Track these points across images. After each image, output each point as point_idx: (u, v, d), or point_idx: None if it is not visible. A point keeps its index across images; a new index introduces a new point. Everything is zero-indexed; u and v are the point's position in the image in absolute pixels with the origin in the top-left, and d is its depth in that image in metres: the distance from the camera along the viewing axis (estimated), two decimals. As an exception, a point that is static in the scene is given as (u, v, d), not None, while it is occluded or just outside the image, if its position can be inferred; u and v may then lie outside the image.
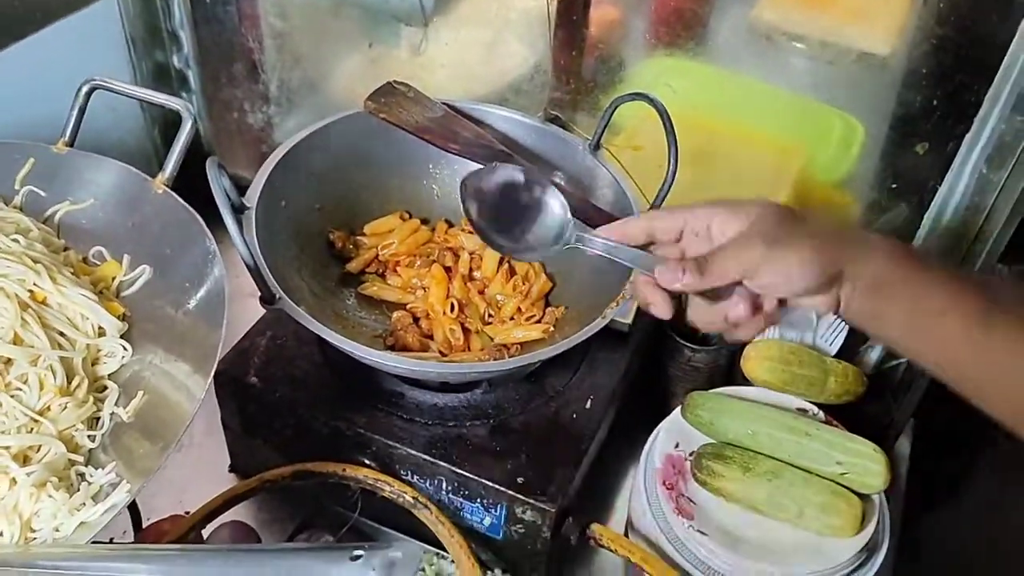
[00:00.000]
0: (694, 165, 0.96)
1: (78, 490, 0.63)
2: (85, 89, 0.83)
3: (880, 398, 0.99)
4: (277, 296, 0.74)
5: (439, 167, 0.99)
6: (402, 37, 1.06)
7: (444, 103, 0.95)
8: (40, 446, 0.64)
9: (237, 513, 0.83)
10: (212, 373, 0.67)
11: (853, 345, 1.00)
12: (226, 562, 0.47)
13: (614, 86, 0.99)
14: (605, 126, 0.91)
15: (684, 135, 0.86)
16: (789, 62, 0.92)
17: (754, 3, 0.90)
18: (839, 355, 0.98)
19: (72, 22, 1.05)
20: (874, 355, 1.00)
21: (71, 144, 0.83)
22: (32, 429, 0.65)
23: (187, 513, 0.80)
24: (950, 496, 1.08)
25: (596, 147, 0.93)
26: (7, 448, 0.63)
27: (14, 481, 0.62)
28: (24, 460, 0.64)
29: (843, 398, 0.94)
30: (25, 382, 0.67)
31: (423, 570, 0.78)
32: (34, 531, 0.60)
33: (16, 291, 0.70)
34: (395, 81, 0.96)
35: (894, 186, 0.91)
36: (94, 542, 0.59)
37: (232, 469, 0.96)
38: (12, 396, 0.66)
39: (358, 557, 0.44)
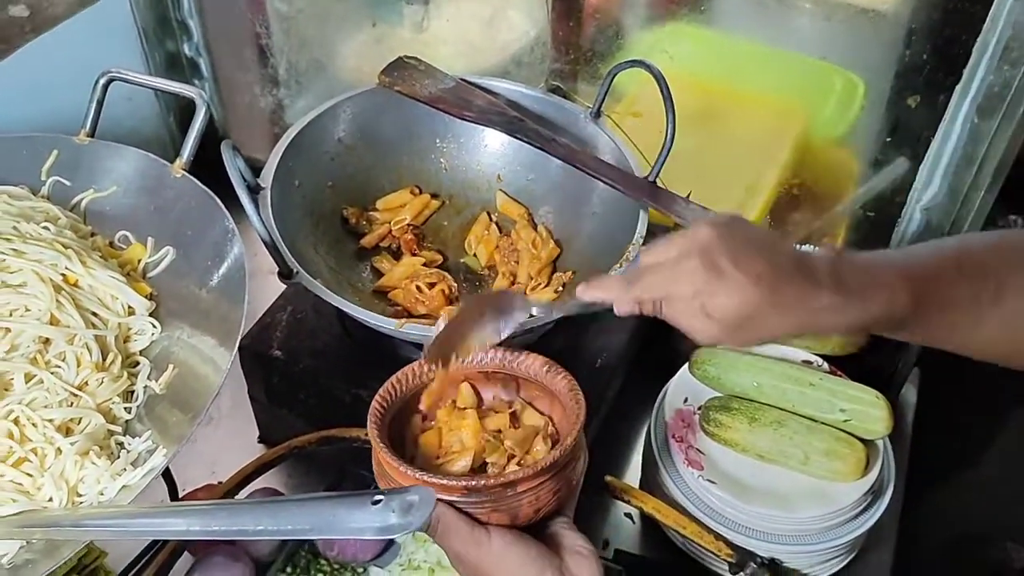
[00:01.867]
0: (695, 129, 0.98)
1: (118, 457, 0.67)
2: (103, 81, 0.86)
3: (884, 348, 1.01)
4: (295, 271, 0.77)
5: (446, 141, 1.01)
6: (404, 15, 1.08)
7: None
8: (81, 418, 0.68)
9: (267, 480, 0.87)
10: (236, 345, 0.70)
11: (856, 297, 1.02)
12: (259, 512, 0.51)
13: (613, 55, 1.01)
14: (605, 94, 0.94)
15: (684, 99, 0.88)
16: (788, 22, 0.93)
17: (757, -35, 0.92)
18: (842, 307, 1.00)
19: (85, 17, 1.08)
20: (877, 306, 1.02)
21: (92, 134, 0.87)
22: (72, 403, 0.69)
23: (220, 483, 0.84)
24: (957, 441, 1.10)
25: (597, 115, 0.96)
26: (51, 420, 0.67)
27: (59, 451, 0.66)
28: (67, 432, 0.68)
29: (847, 349, 0.97)
30: (63, 360, 0.71)
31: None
32: (80, 495, 0.65)
33: (50, 275, 0.74)
34: (406, 56, 0.99)
35: (888, 140, 0.92)
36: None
37: (261, 440, 1.00)
38: (52, 373, 0.70)
39: (378, 501, 0.48)
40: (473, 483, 0.56)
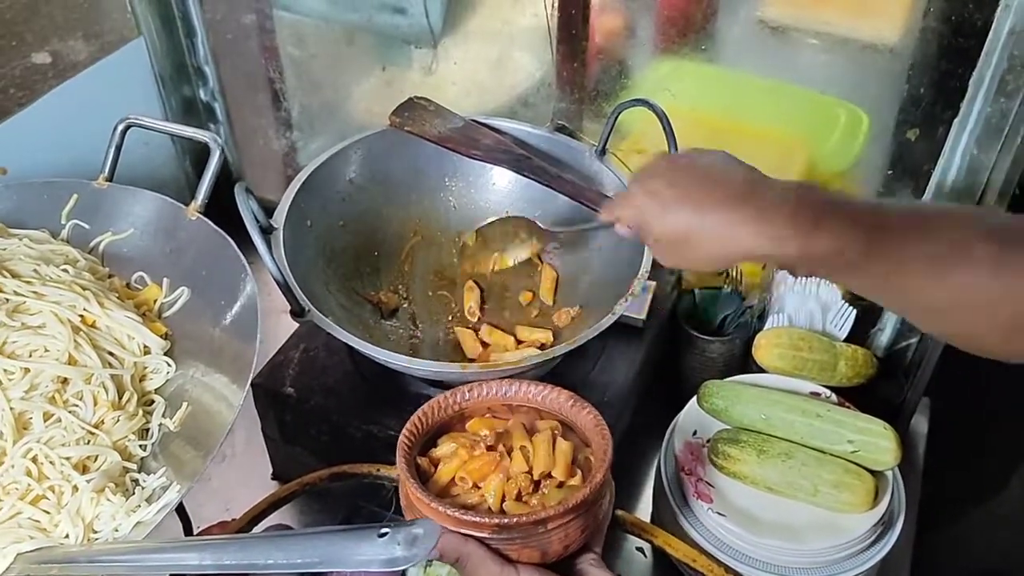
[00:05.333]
0: (699, 164, 0.99)
1: (133, 494, 0.68)
2: (121, 127, 0.89)
3: (892, 379, 1.02)
4: (306, 309, 0.79)
5: (455, 180, 1.03)
6: (413, 59, 1.11)
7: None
8: (97, 456, 0.70)
9: (280, 517, 0.87)
10: (249, 383, 0.72)
11: (863, 329, 1.03)
12: (270, 546, 0.52)
13: (617, 94, 1.03)
14: (609, 132, 0.96)
15: (688, 135, 0.90)
16: (792, 57, 0.95)
17: (759, 1, 0.93)
18: (849, 339, 1.00)
19: (105, 64, 1.12)
20: (884, 338, 1.03)
21: (110, 179, 0.89)
22: (89, 441, 0.71)
23: (233, 520, 0.85)
24: (974, 473, 1.09)
25: (602, 152, 0.97)
26: (68, 459, 0.68)
27: (76, 488, 0.67)
28: (83, 469, 0.69)
29: (854, 380, 0.97)
30: (81, 399, 0.72)
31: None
32: (96, 532, 0.66)
33: (68, 316, 0.76)
34: (416, 96, 1.01)
35: (890, 173, 0.93)
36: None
37: (274, 477, 1.01)
38: (70, 412, 0.71)
39: (384, 534, 0.49)
40: (504, 521, 0.57)
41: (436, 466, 0.65)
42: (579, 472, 0.63)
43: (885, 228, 0.58)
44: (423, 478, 0.64)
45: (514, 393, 0.70)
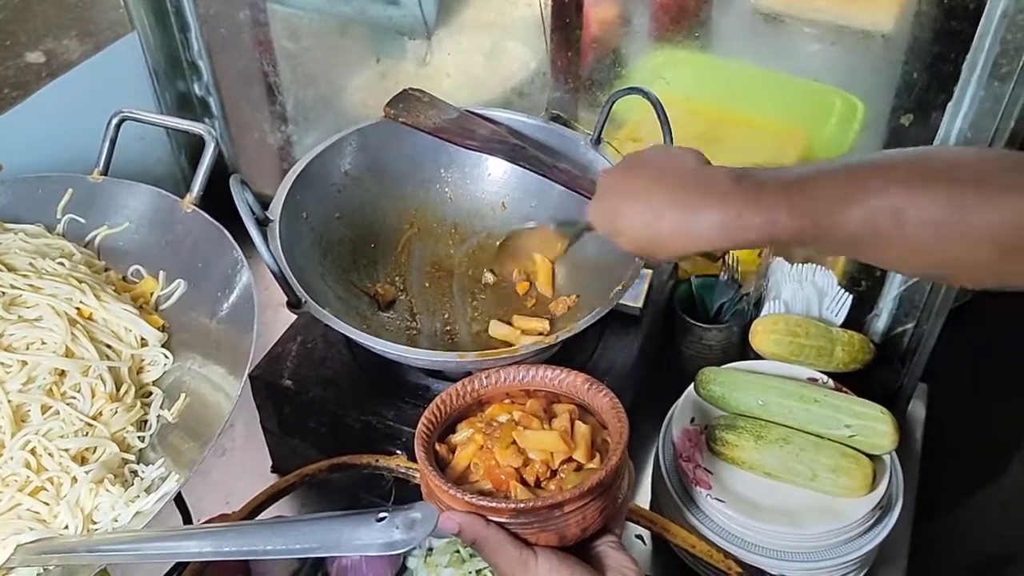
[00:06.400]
0: (695, 153, 0.99)
1: (132, 484, 0.69)
2: (115, 121, 0.88)
3: (889, 364, 1.02)
4: (303, 300, 0.79)
5: (450, 171, 1.03)
6: (408, 50, 1.11)
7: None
8: (96, 447, 0.70)
9: (280, 509, 0.88)
10: (246, 373, 0.72)
11: (859, 315, 1.03)
12: (268, 533, 0.52)
13: (611, 83, 1.03)
14: (604, 121, 0.95)
15: (684, 124, 0.90)
16: (787, 45, 0.95)
17: (754, -11, 0.93)
18: (845, 324, 1.01)
19: (98, 60, 1.12)
20: (880, 323, 1.03)
21: (105, 173, 0.89)
22: (87, 433, 0.71)
23: (233, 512, 0.85)
24: (976, 459, 1.10)
25: (597, 141, 0.97)
26: (67, 450, 0.69)
27: (75, 479, 0.67)
28: (82, 460, 0.69)
29: (851, 366, 0.98)
30: (78, 391, 0.72)
31: (458, 551, 0.83)
32: (95, 523, 0.66)
33: (65, 309, 0.76)
34: (411, 88, 1.01)
35: (885, 158, 0.93)
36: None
37: (274, 470, 1.01)
38: (68, 404, 0.71)
39: (383, 518, 0.49)
40: (521, 505, 0.57)
41: (454, 452, 0.65)
42: (598, 455, 0.63)
43: (816, 200, 0.59)
44: (441, 465, 0.64)
45: (531, 378, 0.70)
